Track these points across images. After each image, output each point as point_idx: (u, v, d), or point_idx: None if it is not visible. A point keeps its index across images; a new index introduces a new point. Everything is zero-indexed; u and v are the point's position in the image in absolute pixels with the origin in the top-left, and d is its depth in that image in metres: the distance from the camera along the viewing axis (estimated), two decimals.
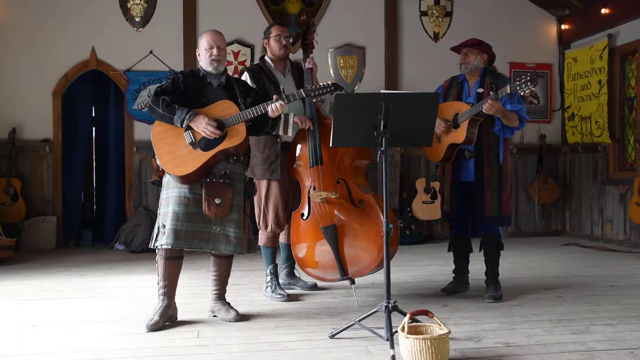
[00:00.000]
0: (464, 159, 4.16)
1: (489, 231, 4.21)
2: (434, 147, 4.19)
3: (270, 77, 4.19)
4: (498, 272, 4.24)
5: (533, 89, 3.74)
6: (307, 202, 4.04)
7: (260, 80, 4.13)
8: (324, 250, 3.97)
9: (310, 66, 4.20)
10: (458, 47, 4.23)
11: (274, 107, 3.50)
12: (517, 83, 3.74)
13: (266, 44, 4.30)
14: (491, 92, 3.92)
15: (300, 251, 4.08)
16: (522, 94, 3.80)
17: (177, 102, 3.49)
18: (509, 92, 3.79)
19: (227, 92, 3.65)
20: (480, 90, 4.10)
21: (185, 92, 3.57)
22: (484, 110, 3.84)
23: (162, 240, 3.44)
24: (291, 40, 4.33)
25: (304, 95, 3.62)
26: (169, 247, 3.44)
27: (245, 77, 4.18)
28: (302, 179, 4.11)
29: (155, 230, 3.54)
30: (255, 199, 4.24)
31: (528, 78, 3.71)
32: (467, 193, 4.19)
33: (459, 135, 4.03)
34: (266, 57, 4.31)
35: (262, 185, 4.20)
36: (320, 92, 3.59)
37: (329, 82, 3.63)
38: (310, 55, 4.28)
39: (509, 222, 4.30)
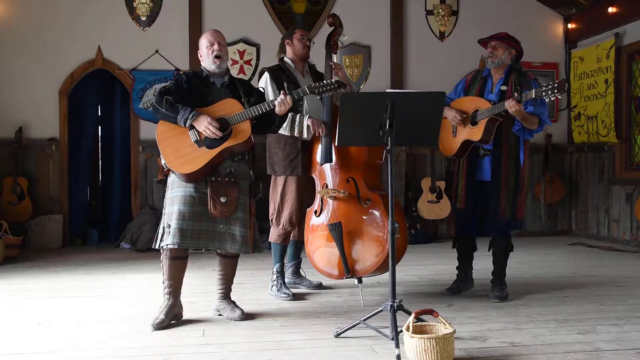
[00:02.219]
0: (478, 156, 4.10)
1: (501, 232, 4.18)
2: (448, 141, 4.14)
3: (290, 77, 4.19)
4: (505, 272, 4.22)
5: (559, 96, 3.61)
6: (319, 198, 4.07)
7: (280, 80, 4.14)
8: (331, 248, 3.98)
9: (333, 67, 4.18)
10: (486, 39, 4.13)
11: (279, 101, 3.50)
12: (544, 89, 3.63)
13: (288, 43, 4.30)
14: (515, 94, 3.84)
15: (312, 247, 4.11)
16: (547, 100, 3.69)
17: (181, 102, 3.49)
18: (533, 96, 3.69)
19: (230, 92, 3.65)
20: (504, 87, 4.02)
21: (188, 92, 3.57)
22: (505, 108, 3.77)
23: (168, 240, 3.43)
24: (312, 45, 4.36)
25: (308, 92, 3.62)
26: (175, 246, 3.43)
27: (266, 77, 4.20)
28: (316, 175, 4.14)
29: (160, 230, 3.54)
30: (271, 195, 4.27)
31: (556, 85, 3.58)
32: (480, 192, 4.15)
33: (476, 133, 3.97)
34: (286, 58, 4.31)
35: (279, 182, 4.23)
36: (325, 89, 3.59)
37: (333, 80, 3.64)
38: (333, 55, 4.29)
39: (520, 225, 4.25)
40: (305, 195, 4.21)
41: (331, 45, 4.30)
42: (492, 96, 4.07)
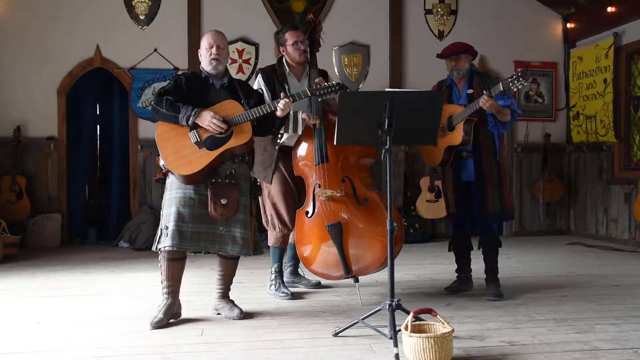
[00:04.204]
0: (462, 159, 4.16)
1: (487, 230, 4.21)
2: (430, 151, 4.22)
3: (283, 81, 4.15)
4: (497, 270, 4.24)
5: (525, 84, 3.79)
6: (312, 199, 4.04)
7: (272, 83, 4.12)
8: (328, 248, 3.96)
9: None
10: (448, 54, 4.19)
11: (280, 106, 3.50)
12: (509, 80, 3.77)
13: (283, 51, 4.21)
14: (484, 91, 3.92)
15: (305, 249, 4.07)
16: (514, 90, 3.84)
17: (181, 102, 3.47)
18: (501, 89, 3.82)
19: (229, 93, 3.63)
20: (470, 91, 4.13)
21: (187, 93, 3.56)
22: (480, 105, 3.85)
23: (166, 242, 3.40)
24: (308, 43, 4.26)
25: (309, 94, 3.62)
26: (174, 248, 3.40)
27: (258, 80, 4.18)
28: (307, 176, 4.09)
29: (159, 232, 3.52)
30: (261, 199, 4.26)
31: (519, 74, 3.74)
32: (468, 193, 4.20)
33: (456, 137, 4.03)
34: (284, 61, 4.25)
35: (264, 186, 4.22)
36: (325, 91, 3.59)
37: (334, 82, 3.64)
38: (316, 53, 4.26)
39: (512, 217, 4.35)
40: (293, 196, 4.20)
41: (314, 44, 4.26)
42: (461, 101, 4.17)
